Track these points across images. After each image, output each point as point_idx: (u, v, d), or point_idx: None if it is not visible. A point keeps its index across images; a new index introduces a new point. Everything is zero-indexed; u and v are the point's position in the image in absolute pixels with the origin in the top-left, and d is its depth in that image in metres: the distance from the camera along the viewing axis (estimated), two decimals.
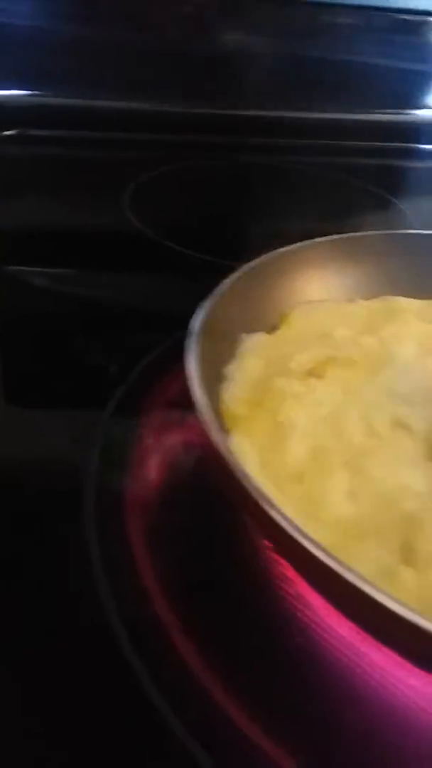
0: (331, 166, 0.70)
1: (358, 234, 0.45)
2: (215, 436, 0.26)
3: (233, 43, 0.72)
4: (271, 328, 0.41)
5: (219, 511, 0.31)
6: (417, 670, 0.26)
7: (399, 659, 0.27)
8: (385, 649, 0.27)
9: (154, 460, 0.36)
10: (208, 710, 0.26)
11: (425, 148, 0.76)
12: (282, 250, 0.42)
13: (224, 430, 0.32)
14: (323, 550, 0.22)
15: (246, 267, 0.39)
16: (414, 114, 0.78)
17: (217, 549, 0.31)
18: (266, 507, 0.24)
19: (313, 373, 0.35)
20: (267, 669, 0.27)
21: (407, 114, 0.77)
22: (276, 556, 0.30)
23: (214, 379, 0.35)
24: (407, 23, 0.71)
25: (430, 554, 0.26)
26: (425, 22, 0.71)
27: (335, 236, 0.45)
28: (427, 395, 0.35)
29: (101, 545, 0.31)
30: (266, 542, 0.30)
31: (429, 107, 0.78)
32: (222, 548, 0.31)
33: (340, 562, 0.21)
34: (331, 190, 0.65)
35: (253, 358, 0.37)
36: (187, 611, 0.29)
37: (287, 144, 0.71)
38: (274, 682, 0.27)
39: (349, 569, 0.21)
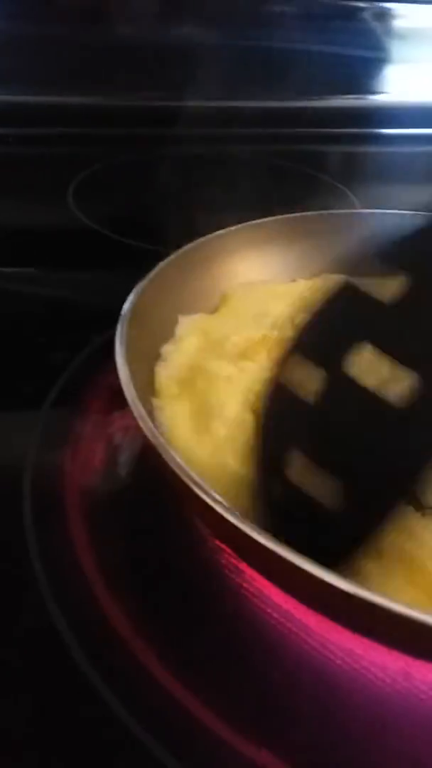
0: (276, 154, 0.70)
1: (296, 215, 0.46)
2: (138, 411, 0.26)
3: (174, 36, 0.72)
4: (213, 309, 0.42)
5: (159, 495, 0.31)
6: (352, 634, 0.27)
7: (335, 624, 0.27)
8: (321, 616, 0.27)
9: (94, 449, 0.36)
10: (156, 698, 0.26)
11: (366, 133, 0.77)
12: (219, 232, 0.42)
13: (157, 407, 0.32)
14: (233, 513, 0.22)
15: (181, 251, 0.39)
16: (356, 99, 0.78)
17: (160, 535, 0.31)
18: (184, 478, 0.24)
19: (246, 355, 0.35)
20: (214, 651, 0.27)
21: (349, 100, 0.78)
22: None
23: (151, 359, 0.35)
24: (346, 9, 0.72)
25: None
26: (363, 8, 0.72)
27: (273, 218, 0.45)
28: None
29: (40, 541, 0.30)
30: (189, 512, 0.29)
31: (371, 92, 0.79)
32: (164, 535, 0.31)
33: (247, 523, 0.21)
34: (277, 177, 0.66)
35: (191, 338, 0.37)
36: (129, 599, 0.29)
37: (232, 134, 0.72)
38: (221, 663, 0.27)
39: (258, 530, 0.21)
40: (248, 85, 0.75)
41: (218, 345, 0.36)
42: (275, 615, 0.28)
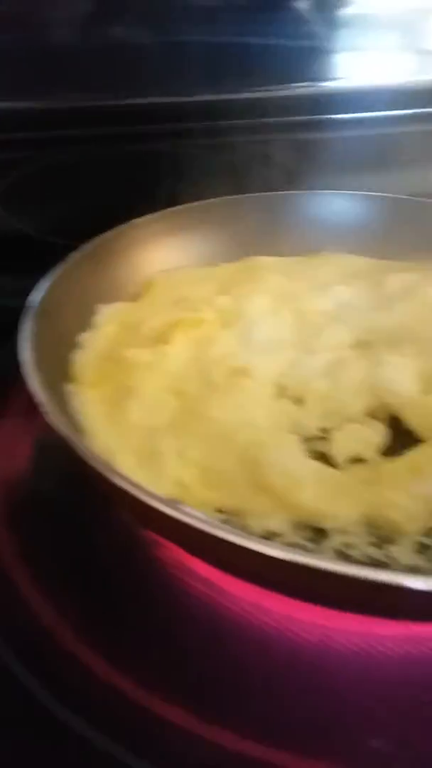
0: (212, 147, 0.71)
1: (214, 200, 0.46)
2: (39, 396, 0.26)
3: (105, 36, 0.72)
4: (134, 297, 0.42)
5: (81, 488, 0.31)
6: (267, 593, 0.27)
7: (253, 587, 0.27)
8: (241, 581, 0.27)
9: (14, 450, 0.35)
10: (86, 683, 0.26)
11: (304, 120, 0.77)
12: (135, 221, 0.43)
13: (71, 393, 0.32)
14: (130, 481, 0.22)
15: (94, 241, 0.40)
16: (296, 88, 0.79)
17: (84, 527, 0.31)
18: (81, 452, 0.24)
19: (162, 338, 0.35)
20: (141, 628, 0.28)
21: (282, 89, 0.79)
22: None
23: (67, 348, 0.36)
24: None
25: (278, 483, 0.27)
26: None
27: (190, 204, 0.45)
28: (278, 343, 0.36)
29: None
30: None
31: (304, 81, 0.80)
32: (88, 525, 0.31)
33: (139, 487, 0.22)
34: (213, 170, 0.66)
35: (109, 325, 0.37)
36: (53, 588, 0.29)
37: (167, 130, 0.72)
38: (148, 638, 0.27)
39: (151, 493, 0.21)
40: (185, 81, 0.76)
41: (136, 331, 0.37)
42: (197, 585, 0.29)
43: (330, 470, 0.29)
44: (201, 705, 0.25)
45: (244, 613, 0.28)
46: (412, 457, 0.29)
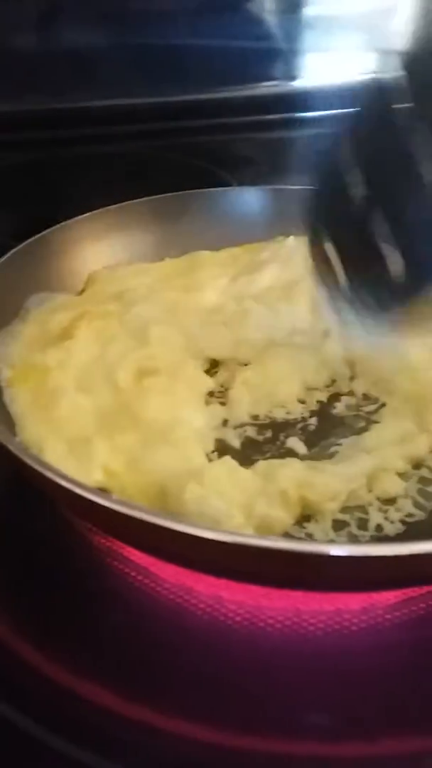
0: (168, 148, 0.72)
1: (158, 197, 0.47)
2: None
3: (59, 38, 0.73)
4: (79, 293, 0.42)
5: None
6: (198, 576, 0.28)
7: (184, 571, 0.28)
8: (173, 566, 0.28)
9: None
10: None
11: (247, 121, 0.78)
12: (78, 218, 0.43)
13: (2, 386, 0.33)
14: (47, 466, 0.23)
15: (34, 238, 0.40)
16: (251, 88, 0.80)
17: (19, 515, 0.32)
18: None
19: (68, 333, 0.36)
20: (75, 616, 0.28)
21: (244, 89, 0.79)
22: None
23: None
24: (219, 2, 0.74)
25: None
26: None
27: (133, 201, 0.46)
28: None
29: None
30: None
31: (266, 81, 0.81)
32: (22, 514, 0.32)
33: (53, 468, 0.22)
34: (165, 170, 0.67)
35: (31, 323, 0.38)
36: None
37: (124, 131, 0.73)
38: (81, 624, 0.28)
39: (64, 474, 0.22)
40: (144, 83, 0.77)
41: (46, 329, 0.37)
42: (131, 572, 0.29)
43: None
44: (138, 689, 0.25)
45: (177, 597, 0.28)
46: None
